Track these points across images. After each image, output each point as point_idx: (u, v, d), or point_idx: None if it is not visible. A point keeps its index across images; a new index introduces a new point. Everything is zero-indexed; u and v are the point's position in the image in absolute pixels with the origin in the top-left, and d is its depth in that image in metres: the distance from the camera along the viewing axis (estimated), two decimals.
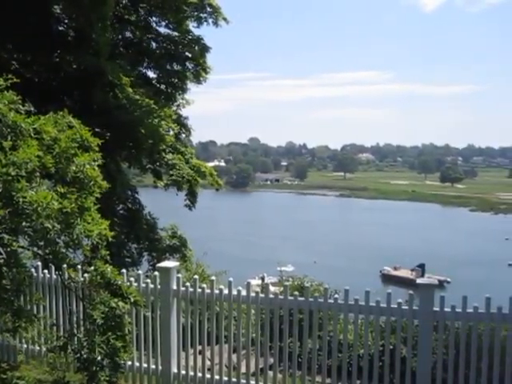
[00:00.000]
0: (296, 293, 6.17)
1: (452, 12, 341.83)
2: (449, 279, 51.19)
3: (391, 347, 5.91)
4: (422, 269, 52.87)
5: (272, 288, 9.20)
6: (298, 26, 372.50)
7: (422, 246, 67.70)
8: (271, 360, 6.34)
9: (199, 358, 6.61)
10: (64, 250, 4.36)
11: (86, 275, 5.06)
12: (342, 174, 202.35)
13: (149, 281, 6.63)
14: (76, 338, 4.95)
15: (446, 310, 5.59)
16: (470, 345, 5.57)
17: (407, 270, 53.17)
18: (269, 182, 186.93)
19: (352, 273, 47.95)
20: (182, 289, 6.49)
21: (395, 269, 55.68)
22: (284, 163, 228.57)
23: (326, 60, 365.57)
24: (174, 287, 6.51)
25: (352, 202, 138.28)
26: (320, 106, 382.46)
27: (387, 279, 52.41)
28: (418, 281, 5.68)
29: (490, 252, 66.09)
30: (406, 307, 5.72)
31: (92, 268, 4.71)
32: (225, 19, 14.28)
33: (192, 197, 13.42)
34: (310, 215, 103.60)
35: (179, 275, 6.60)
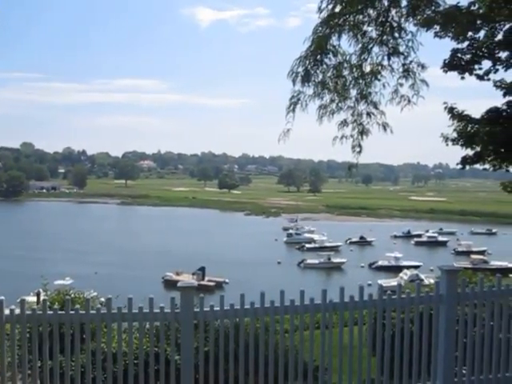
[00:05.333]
0: (56, 306, 5.88)
1: (225, 30, 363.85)
2: (227, 280, 54.14)
3: (159, 351, 5.99)
4: (202, 272, 54.92)
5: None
6: (71, 26, 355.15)
7: (203, 250, 70.36)
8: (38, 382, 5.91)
9: None
10: None
11: None
12: (124, 181, 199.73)
13: None
14: None
15: (205, 309, 5.90)
16: (236, 340, 5.97)
17: (189, 274, 54.60)
18: (45, 191, 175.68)
19: (135, 281, 47.58)
20: None
21: (177, 274, 56.65)
22: (61, 170, 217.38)
23: (104, 65, 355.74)
24: None
25: (134, 210, 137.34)
26: (100, 112, 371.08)
27: (170, 285, 53.08)
28: (179, 284, 5.89)
29: (262, 252, 71.70)
30: (169, 311, 5.87)
31: None
32: None
33: None
34: (90, 224, 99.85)
35: None
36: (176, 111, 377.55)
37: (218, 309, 5.91)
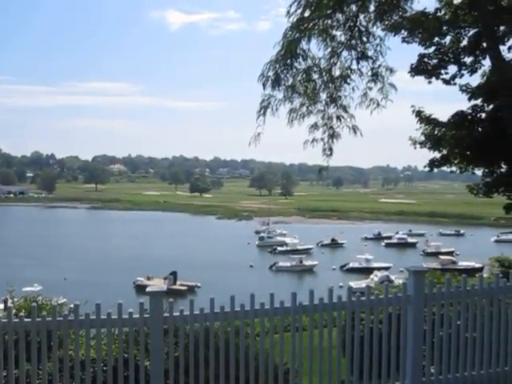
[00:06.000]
0: (22, 313, 5.75)
1: (196, 33, 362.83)
2: (199, 284, 53.89)
3: (128, 357, 5.91)
4: (174, 276, 54.52)
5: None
6: (39, 28, 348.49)
7: (175, 254, 69.80)
8: None
9: None
10: None
11: None
12: (94, 185, 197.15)
13: None
14: None
15: (175, 314, 5.84)
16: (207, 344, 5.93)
17: (160, 279, 54.12)
18: (12, 195, 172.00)
19: (105, 286, 46.89)
20: None
21: (148, 279, 56.06)
22: (30, 174, 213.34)
23: (73, 68, 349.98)
24: None
25: (104, 214, 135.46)
26: (69, 116, 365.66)
27: (141, 290, 52.44)
28: (148, 289, 5.83)
29: (234, 255, 71.53)
30: (138, 316, 5.80)
31: None
32: None
33: None
34: (60, 229, 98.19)
35: None
36: (146, 114, 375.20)
37: (187, 313, 5.87)
